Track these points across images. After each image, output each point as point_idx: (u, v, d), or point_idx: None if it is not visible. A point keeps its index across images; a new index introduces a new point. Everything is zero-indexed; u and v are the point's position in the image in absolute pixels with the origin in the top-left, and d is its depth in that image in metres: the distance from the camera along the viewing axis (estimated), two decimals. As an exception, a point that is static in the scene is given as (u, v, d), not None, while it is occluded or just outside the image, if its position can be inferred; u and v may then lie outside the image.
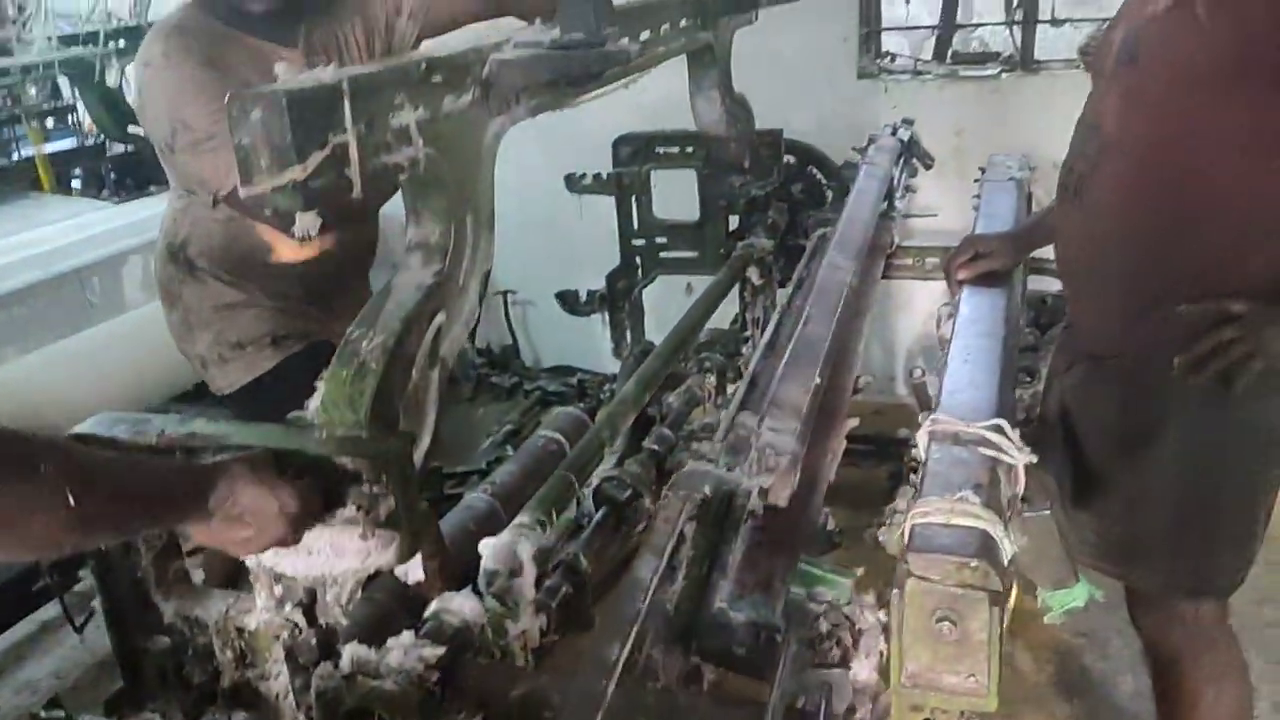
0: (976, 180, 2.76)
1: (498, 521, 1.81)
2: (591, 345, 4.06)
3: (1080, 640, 2.55)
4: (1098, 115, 1.76)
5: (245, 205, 1.21)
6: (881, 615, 1.22)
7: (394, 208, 1.55)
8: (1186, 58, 1.55)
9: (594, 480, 1.89)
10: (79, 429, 1.37)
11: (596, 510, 2.18)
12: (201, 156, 1.98)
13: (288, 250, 2.12)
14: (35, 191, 4.00)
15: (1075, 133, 1.88)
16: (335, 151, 1.14)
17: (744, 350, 2.91)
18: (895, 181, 2.90)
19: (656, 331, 3.25)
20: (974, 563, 1.06)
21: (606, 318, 3.29)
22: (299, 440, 1.26)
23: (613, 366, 3.86)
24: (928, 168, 3.26)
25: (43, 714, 1.57)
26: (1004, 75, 3.73)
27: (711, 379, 2.82)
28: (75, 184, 4.20)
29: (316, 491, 1.23)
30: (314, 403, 1.28)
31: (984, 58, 3.81)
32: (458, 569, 1.57)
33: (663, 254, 3.13)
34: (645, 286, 3.22)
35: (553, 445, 2.11)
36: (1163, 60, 1.59)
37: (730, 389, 2.85)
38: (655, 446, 2.42)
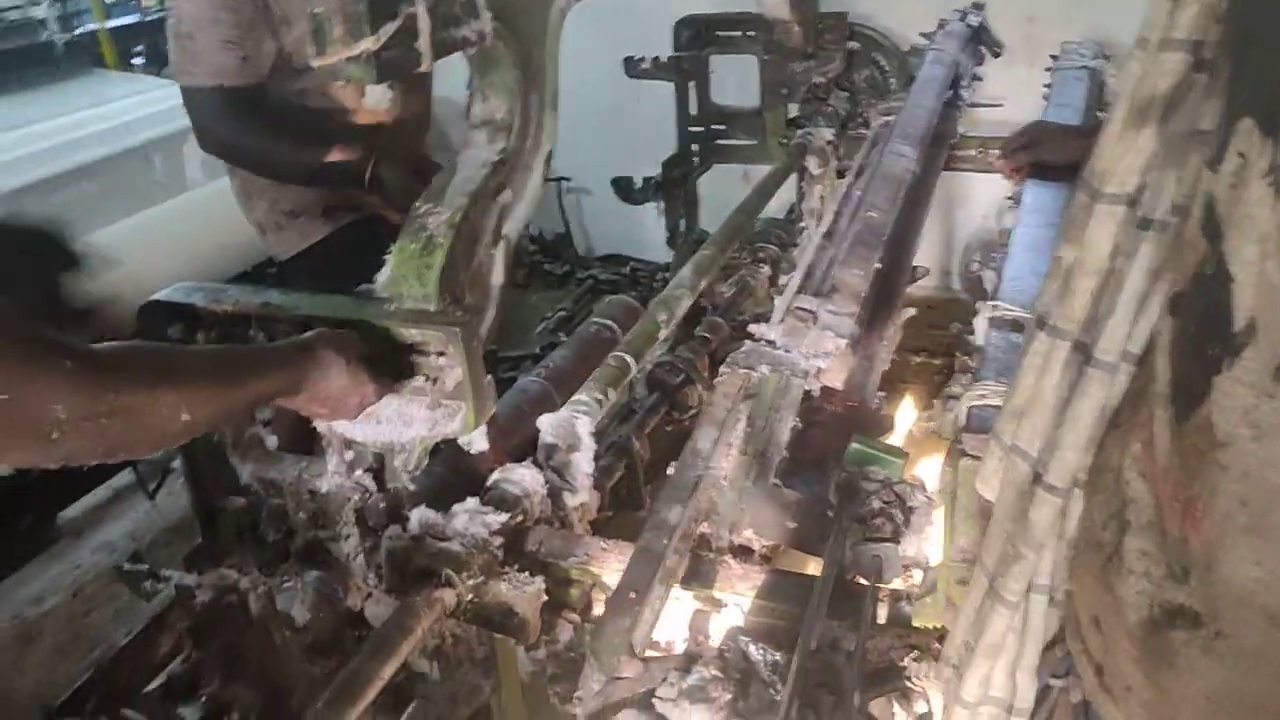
0: (1048, 69, 2.67)
1: (550, 404, 1.85)
2: (644, 234, 4.05)
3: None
4: None
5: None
6: (933, 494, 1.25)
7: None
8: None
9: (646, 365, 1.93)
10: (158, 296, 1.41)
11: (648, 395, 2.23)
12: (181, 46, 2.03)
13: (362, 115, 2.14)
14: (99, 68, 4.02)
15: None
16: (406, 23, 1.14)
17: (798, 241, 2.91)
18: (962, 69, 2.82)
19: (711, 221, 3.23)
20: (1028, 444, 1.07)
21: (661, 206, 3.28)
22: (370, 312, 1.29)
23: (665, 256, 3.86)
24: (996, 55, 3.15)
25: (127, 566, 1.66)
26: (1082, -42, 3.56)
27: (765, 269, 2.83)
28: (137, 60, 4.21)
29: (393, 373, 1.27)
30: (382, 275, 1.31)
31: (1061, -61, 3.63)
32: (512, 448, 1.63)
33: (720, 141, 3.10)
34: (701, 175, 3.20)
35: (605, 332, 2.14)
36: None
37: (783, 279, 2.85)
38: (707, 334, 2.46)
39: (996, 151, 2.64)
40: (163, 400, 1.00)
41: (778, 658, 0.84)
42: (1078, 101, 2.35)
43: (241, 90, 2.07)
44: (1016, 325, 1.30)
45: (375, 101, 1.95)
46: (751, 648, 0.84)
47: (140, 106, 3.54)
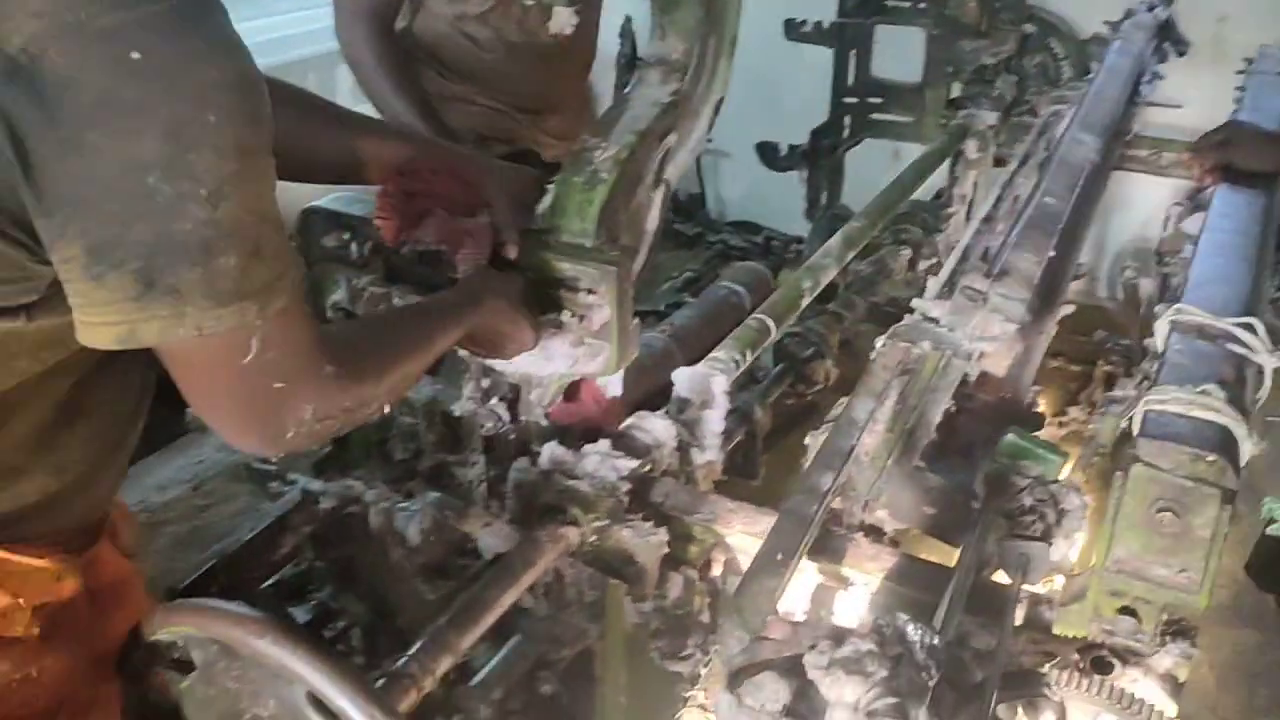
0: (1240, 72, 2.50)
1: (673, 361, 1.82)
2: (782, 203, 3.96)
3: (1261, 573, 2.43)
4: None
5: None
6: (1088, 500, 1.18)
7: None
8: None
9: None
10: (317, 203, 1.43)
11: (775, 365, 2.18)
12: None
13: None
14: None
15: None
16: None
17: (942, 227, 2.81)
18: (1145, 64, 2.67)
19: (853, 197, 3.14)
20: (1210, 457, 1.00)
21: (804, 176, 3.20)
22: (526, 242, 1.28)
23: (800, 228, 3.78)
24: (1181, 54, 2.98)
25: (256, 464, 1.69)
26: (1289, -42, 3.33)
27: (906, 251, 2.74)
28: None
29: (546, 314, 1.26)
30: (543, 204, 1.29)
31: (1269, -65, 3.40)
32: (634, 400, 1.61)
33: (874, 115, 3.00)
34: (851, 148, 3.11)
35: (734, 297, 2.10)
36: None
37: (923, 265, 2.76)
38: (841, 310, 2.39)
39: (1172, 155, 2.51)
40: (386, 391, 1.02)
41: (935, 642, 0.80)
42: (1277, 108, 2.19)
43: (378, 9, 2.06)
44: (1202, 332, 1.21)
45: (560, 25, 1.92)
46: (910, 627, 0.80)
47: (301, 22, 3.60)
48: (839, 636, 0.81)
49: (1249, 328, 1.21)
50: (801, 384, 2.22)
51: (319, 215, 1.42)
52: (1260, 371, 1.19)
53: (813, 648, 0.80)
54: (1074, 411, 2.60)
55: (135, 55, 0.72)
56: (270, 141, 0.83)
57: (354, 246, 1.40)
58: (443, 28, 2.17)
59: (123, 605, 1.07)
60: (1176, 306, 1.25)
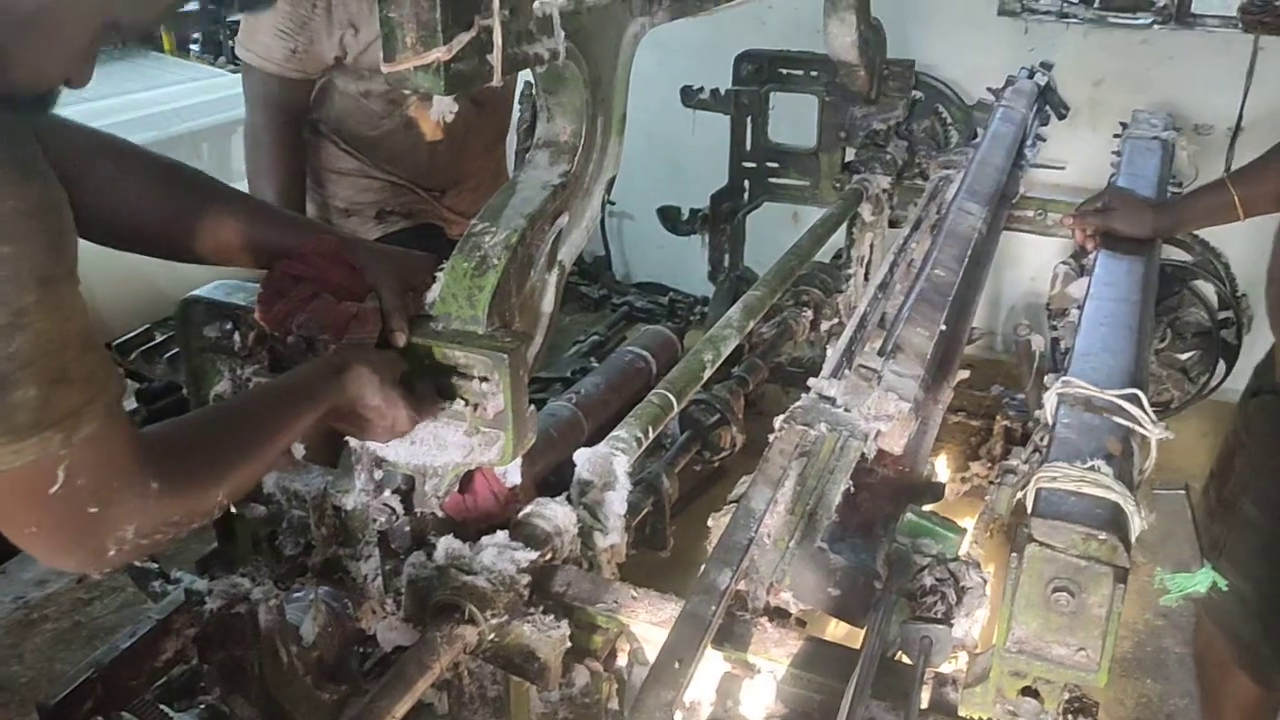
0: (1116, 135, 2.61)
1: (579, 431, 1.80)
2: (686, 265, 4.01)
3: (1161, 622, 2.49)
4: None
5: None
6: (988, 574, 1.18)
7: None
8: None
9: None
10: (198, 292, 1.37)
11: (681, 433, 2.17)
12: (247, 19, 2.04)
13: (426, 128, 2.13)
14: (156, 52, 4.03)
15: None
16: (480, 35, 1.10)
17: (842, 287, 2.85)
18: (1028, 128, 2.77)
19: (755, 258, 3.18)
20: (1102, 535, 1.01)
21: (706, 239, 3.23)
22: (415, 330, 1.24)
23: (704, 288, 3.81)
24: (1061, 117, 3.10)
25: (137, 563, 1.61)
26: (1156, 27, 3.51)
27: (808, 313, 2.77)
28: (194, 48, 4.23)
29: (432, 397, 1.23)
30: (432, 294, 1.26)
31: (1136, 5, 3.59)
32: (540, 473, 1.57)
33: (772, 179, 3.05)
34: (751, 211, 3.15)
35: (639, 362, 2.09)
36: None
37: (825, 325, 2.80)
38: (745, 375, 2.40)
39: (1057, 215, 2.60)
40: (229, 493, 0.99)
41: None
42: (1150, 173, 2.29)
43: (285, 82, 2.05)
44: (1089, 404, 1.23)
45: (439, 112, 1.92)
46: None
47: (193, 94, 3.54)
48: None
49: (1134, 399, 1.24)
50: (708, 450, 2.22)
51: (200, 305, 1.37)
52: (1146, 442, 1.21)
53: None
54: (975, 467, 2.64)
55: None
56: (74, 264, 0.80)
57: (236, 336, 1.35)
58: (348, 104, 2.16)
59: None
60: (1063, 379, 1.27)
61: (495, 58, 1.14)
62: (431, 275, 1.28)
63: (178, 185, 1.28)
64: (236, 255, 1.29)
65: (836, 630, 1.58)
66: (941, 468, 2.80)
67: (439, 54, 1.08)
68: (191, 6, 4.17)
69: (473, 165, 2.33)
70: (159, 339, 2.66)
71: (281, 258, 1.28)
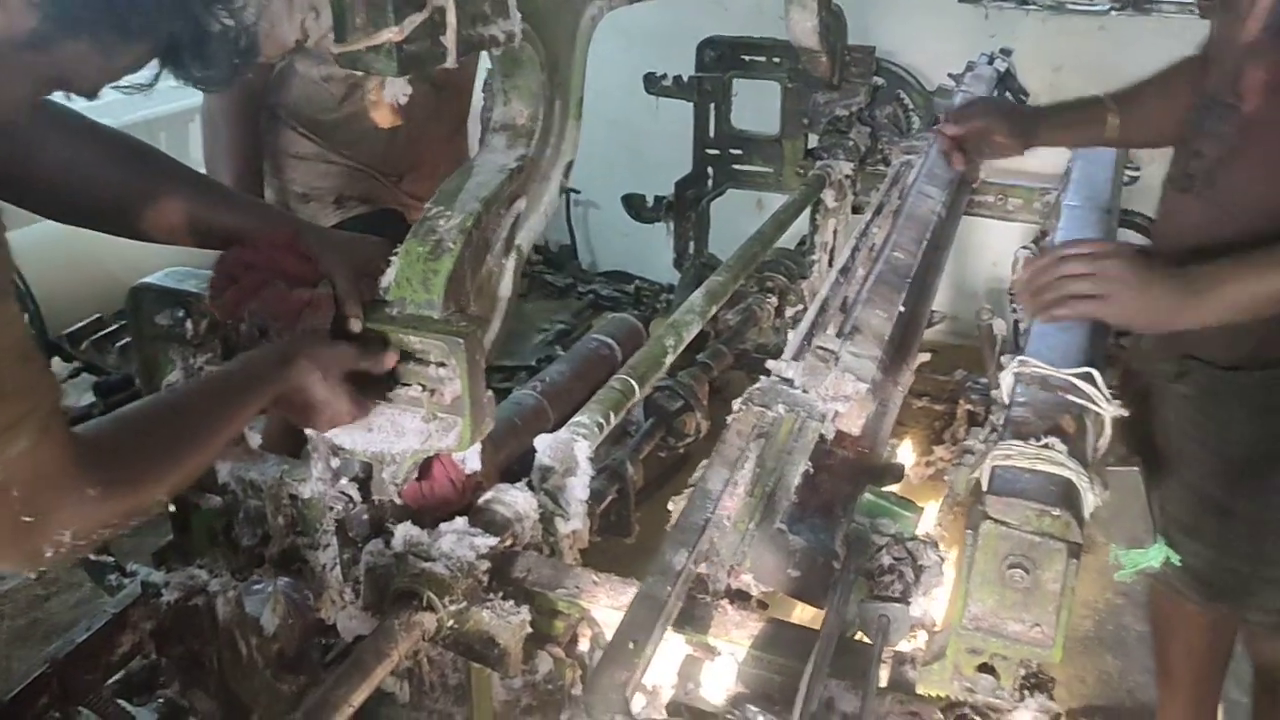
0: (1073, 120, 2.63)
1: (544, 419, 1.79)
2: (651, 253, 4.00)
3: (1120, 600, 2.52)
4: (1235, 90, 1.49)
5: None
6: (945, 554, 1.19)
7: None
8: None
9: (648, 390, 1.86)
10: (149, 280, 1.35)
11: (645, 419, 2.17)
12: None
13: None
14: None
15: (1195, 109, 1.61)
16: (433, 16, 1.09)
17: (806, 273, 2.86)
18: (988, 113, 2.78)
19: (720, 245, 3.18)
20: (1055, 511, 1.02)
21: (671, 226, 3.23)
22: (370, 315, 1.23)
23: (670, 276, 3.81)
24: (1021, 102, 3.12)
25: (92, 556, 1.58)
26: (1114, 13, 3.54)
27: (773, 299, 2.78)
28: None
29: (382, 385, 1.22)
30: (386, 277, 1.25)
31: (1095, -9, 3.61)
32: (504, 461, 1.56)
33: (736, 166, 3.05)
34: (715, 198, 3.15)
35: (604, 350, 2.08)
36: None
37: (790, 311, 2.80)
38: (709, 361, 2.40)
39: (1018, 200, 2.62)
40: (172, 488, 0.98)
41: (787, 730, 0.78)
42: (1107, 157, 2.31)
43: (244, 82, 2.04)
44: (1045, 384, 1.24)
45: (393, 95, 1.92)
46: (760, 718, 0.77)
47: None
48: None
49: (1088, 377, 1.25)
50: (673, 437, 2.22)
51: (151, 292, 1.35)
52: (1100, 420, 1.22)
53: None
54: (939, 450, 2.66)
55: None
56: (9, 283, 0.80)
57: (189, 324, 1.33)
58: (308, 88, 2.13)
59: None
60: (1019, 358, 1.28)
61: (449, 39, 1.13)
62: (386, 260, 1.27)
63: (134, 161, 1.26)
64: (189, 236, 1.28)
65: (803, 613, 1.59)
66: (906, 452, 2.81)
67: (391, 34, 1.07)
68: (141, 79, 4.09)
69: (432, 151, 2.31)
70: (112, 328, 2.62)
71: (234, 242, 1.26)
